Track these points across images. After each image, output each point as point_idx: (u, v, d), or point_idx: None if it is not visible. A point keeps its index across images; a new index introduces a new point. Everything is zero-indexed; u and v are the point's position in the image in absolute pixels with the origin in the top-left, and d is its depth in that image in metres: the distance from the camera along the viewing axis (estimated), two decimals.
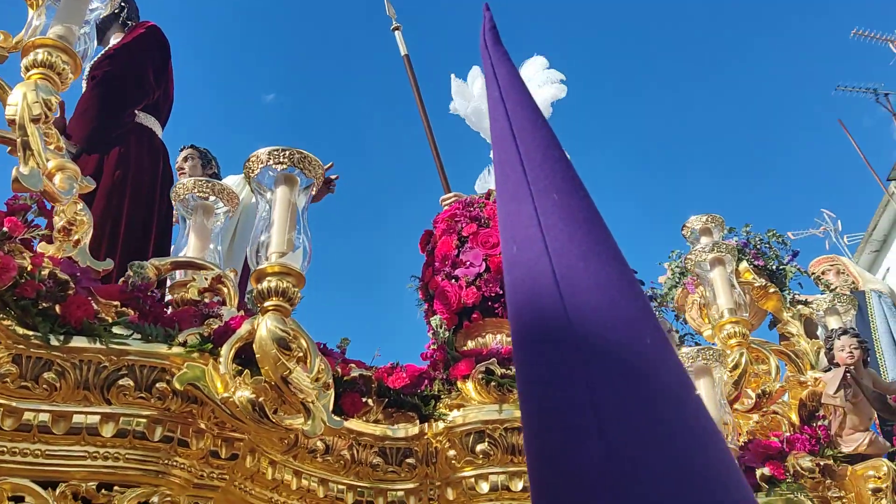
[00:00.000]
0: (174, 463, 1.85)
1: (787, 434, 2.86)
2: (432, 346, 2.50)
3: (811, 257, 5.61)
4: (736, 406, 3.05)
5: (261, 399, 1.82)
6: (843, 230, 13.26)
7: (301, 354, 1.93)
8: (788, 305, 3.56)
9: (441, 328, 2.50)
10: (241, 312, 2.06)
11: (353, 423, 2.23)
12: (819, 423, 2.91)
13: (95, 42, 2.57)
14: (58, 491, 1.75)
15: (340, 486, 2.20)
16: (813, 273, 5.50)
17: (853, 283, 5.38)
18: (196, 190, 2.31)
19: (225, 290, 2.13)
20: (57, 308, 1.81)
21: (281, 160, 2.01)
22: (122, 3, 3.45)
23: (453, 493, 2.23)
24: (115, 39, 3.40)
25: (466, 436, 2.24)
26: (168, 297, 2.23)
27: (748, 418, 3.19)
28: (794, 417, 3.03)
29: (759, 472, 2.67)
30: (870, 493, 2.53)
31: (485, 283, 2.60)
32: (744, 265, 3.69)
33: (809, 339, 3.43)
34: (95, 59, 3.19)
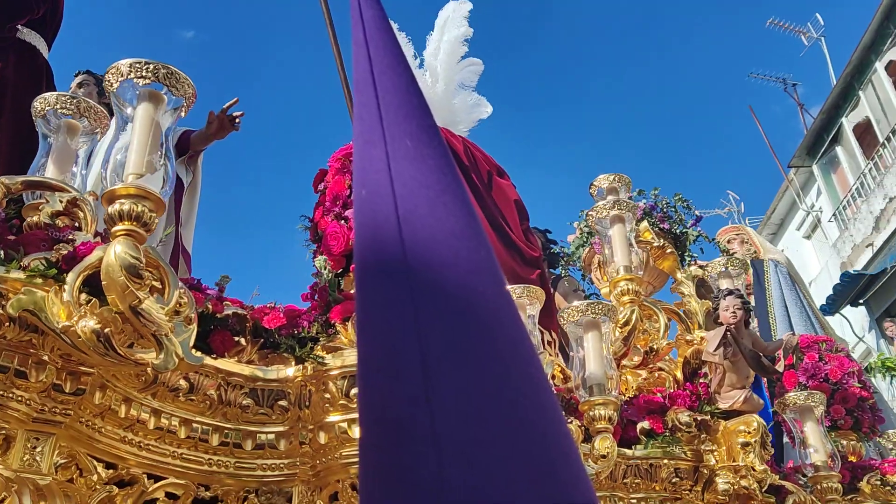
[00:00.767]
0: (11, 395, 1.69)
1: (671, 390, 2.86)
2: (315, 288, 2.37)
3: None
4: (624, 362, 3.04)
5: (107, 330, 1.67)
6: (745, 212, 13.60)
7: (159, 286, 1.79)
8: (683, 267, 3.55)
9: (325, 269, 2.37)
10: (97, 239, 1.88)
11: (223, 363, 2.10)
12: (701, 381, 2.92)
13: None
14: None
15: (205, 427, 2.07)
16: (719, 241, 5.60)
17: (755, 252, 5.48)
18: (58, 106, 2.10)
19: (81, 214, 1.94)
20: None
21: (144, 74, 1.82)
22: None
23: (325, 436, 2.12)
24: None
25: (341, 379, 2.13)
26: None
27: (637, 375, 3.19)
28: (679, 375, 3.03)
29: (639, 426, 2.67)
30: (739, 447, 2.55)
31: None
32: (644, 225, 3.67)
33: (700, 300, 3.43)
34: None
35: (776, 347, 2.93)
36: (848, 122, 14.87)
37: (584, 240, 4.43)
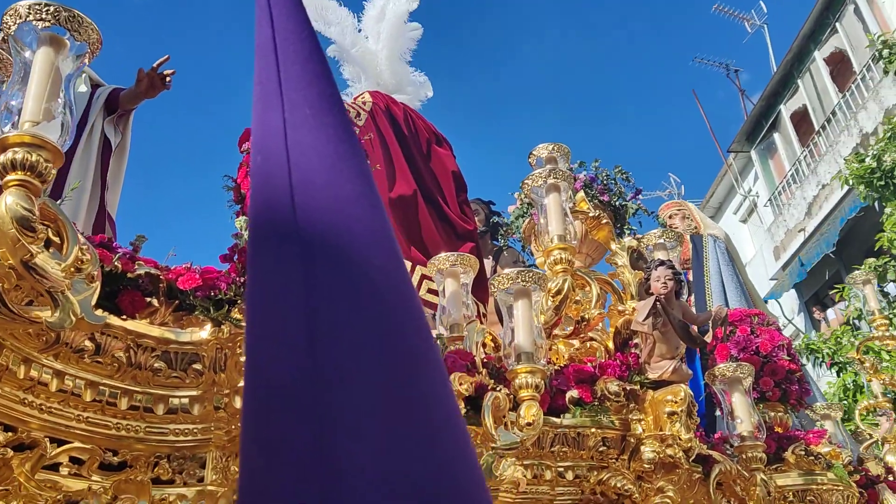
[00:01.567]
0: None
1: (602, 360, 2.82)
2: (234, 249, 2.24)
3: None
4: (556, 332, 2.98)
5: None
6: (686, 195, 13.80)
7: (57, 240, 1.65)
8: (618, 238, 3.51)
9: (246, 230, 2.25)
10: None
11: (133, 324, 1.96)
12: (632, 351, 2.88)
13: None
14: None
15: (113, 391, 1.95)
16: (660, 216, 5.59)
17: (696, 227, 5.49)
18: None
19: None
20: None
21: (44, 17, 1.66)
22: None
23: (242, 401, 2.01)
24: None
25: None
26: None
27: (570, 345, 3.14)
28: (611, 345, 2.99)
29: (568, 395, 2.61)
30: (666, 416, 2.51)
31: None
32: (580, 195, 3.60)
33: (634, 272, 3.39)
34: None
35: (706, 319, 2.91)
36: (786, 110, 15.12)
37: (524, 210, 4.36)
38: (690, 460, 2.71)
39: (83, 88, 3.54)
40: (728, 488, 2.95)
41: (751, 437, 2.99)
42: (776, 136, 15.49)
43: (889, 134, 9.03)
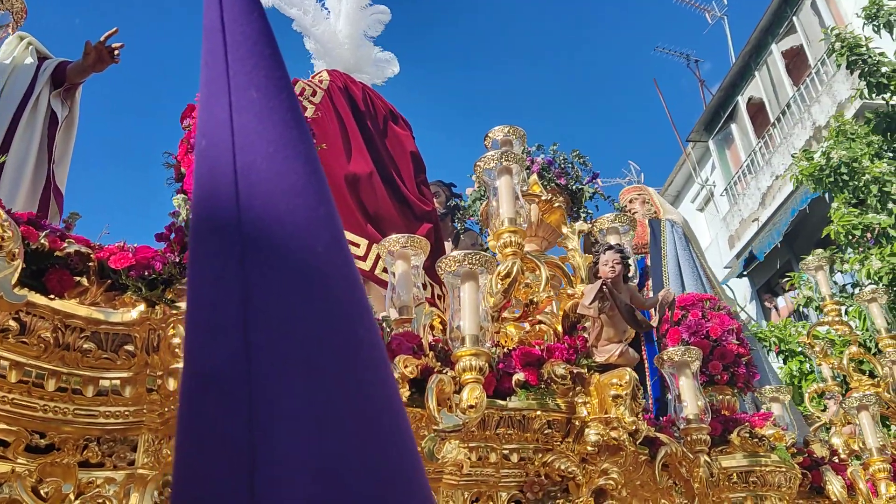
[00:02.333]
0: None
1: (550, 343, 2.76)
2: (171, 228, 2.13)
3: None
4: (505, 314, 2.92)
5: None
6: (645, 182, 13.84)
7: None
8: (570, 222, 3.45)
9: (184, 209, 2.14)
10: None
11: (60, 304, 1.86)
12: (580, 335, 2.83)
13: None
14: None
15: (40, 372, 1.84)
16: (620, 201, 5.54)
17: (655, 212, 5.45)
18: None
19: None
20: None
21: None
22: None
23: (175, 383, 1.92)
24: None
25: None
26: None
27: (521, 328, 3.08)
28: (560, 328, 2.94)
29: (514, 378, 2.55)
30: (611, 399, 2.46)
31: None
32: (533, 178, 3.53)
33: (585, 255, 3.34)
34: None
35: (653, 303, 2.87)
36: (743, 101, 15.23)
37: (482, 193, 4.28)
38: (638, 443, 2.67)
39: (29, 60, 3.39)
40: (674, 469, 2.93)
41: (696, 420, 2.97)
42: (733, 126, 15.61)
43: (836, 132, 9.12)
